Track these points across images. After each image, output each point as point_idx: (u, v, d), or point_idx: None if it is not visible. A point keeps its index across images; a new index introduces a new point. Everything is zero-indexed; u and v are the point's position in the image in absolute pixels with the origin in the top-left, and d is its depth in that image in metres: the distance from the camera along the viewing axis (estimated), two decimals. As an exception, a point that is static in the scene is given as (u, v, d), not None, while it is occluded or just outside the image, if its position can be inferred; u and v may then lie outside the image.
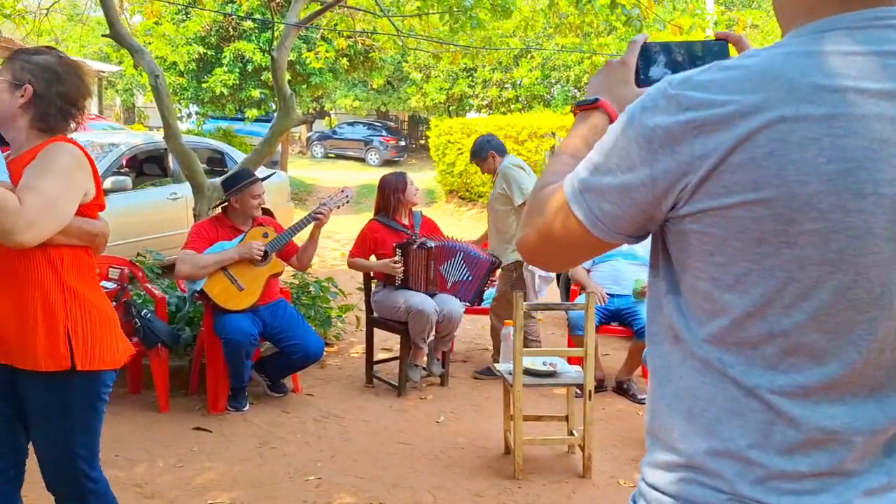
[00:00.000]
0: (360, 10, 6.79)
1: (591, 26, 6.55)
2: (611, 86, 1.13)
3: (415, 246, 4.40)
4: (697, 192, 0.86)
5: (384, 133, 25.85)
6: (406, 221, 4.63)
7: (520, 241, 1.06)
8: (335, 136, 26.10)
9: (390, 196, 4.59)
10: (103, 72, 13.67)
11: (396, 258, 4.40)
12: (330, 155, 25.66)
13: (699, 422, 0.91)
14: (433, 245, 4.42)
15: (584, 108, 1.13)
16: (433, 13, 6.27)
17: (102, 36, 6.13)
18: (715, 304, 0.89)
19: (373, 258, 4.60)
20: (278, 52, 5.81)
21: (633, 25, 5.19)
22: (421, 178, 18.36)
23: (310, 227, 4.31)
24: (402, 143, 26.08)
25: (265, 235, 4.16)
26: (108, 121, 13.34)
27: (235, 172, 4.39)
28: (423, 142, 30.60)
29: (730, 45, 1.13)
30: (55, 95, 2.03)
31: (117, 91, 25.13)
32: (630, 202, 0.91)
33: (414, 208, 4.77)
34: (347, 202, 4.41)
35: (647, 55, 1.13)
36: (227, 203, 4.19)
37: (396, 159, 24.58)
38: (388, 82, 23.46)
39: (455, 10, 6.03)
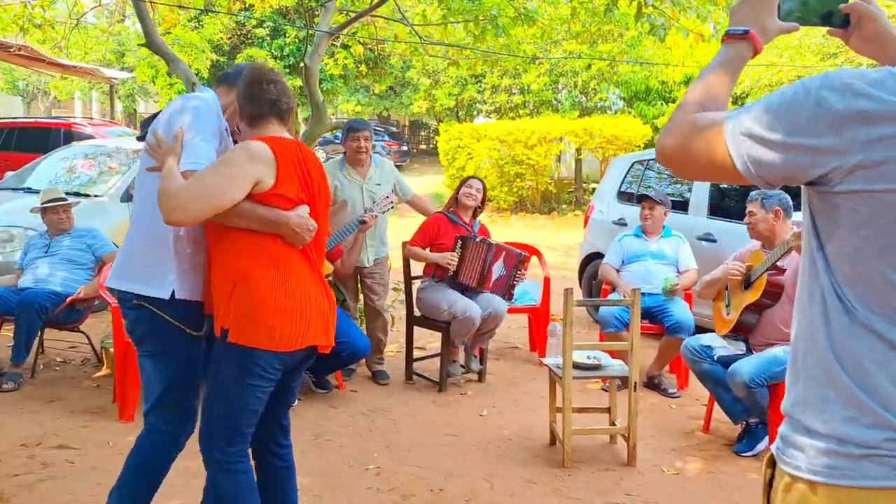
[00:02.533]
0: (387, 18, 6.96)
1: (611, 34, 6.74)
2: (758, 16, 1.25)
3: (477, 240, 4.60)
4: (853, 174, 1.03)
5: (386, 138, 26.01)
6: (466, 220, 4.82)
7: (662, 146, 1.20)
8: (337, 141, 26.24)
9: (457, 191, 4.88)
10: (115, 79, 13.83)
11: (454, 251, 4.59)
12: (332, 159, 25.78)
13: (850, 371, 1.07)
14: (494, 243, 4.64)
15: (734, 37, 1.25)
16: (459, 22, 6.45)
17: (139, 45, 6.30)
18: (857, 269, 1.07)
19: (427, 250, 4.77)
20: (311, 59, 5.97)
21: (658, 34, 5.37)
22: (425, 183, 18.57)
23: (354, 232, 4.47)
24: (405, 148, 26.25)
25: (315, 238, 4.31)
26: (122, 126, 13.48)
27: None
28: (423, 146, 30.85)
29: None
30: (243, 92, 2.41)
31: (119, 97, 25.29)
32: (783, 159, 1.07)
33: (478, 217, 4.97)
34: (392, 207, 4.57)
35: None
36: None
37: (399, 164, 24.73)
38: (390, 88, 23.65)
39: (481, 18, 6.22)
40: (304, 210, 2.31)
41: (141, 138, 2.55)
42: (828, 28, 1.31)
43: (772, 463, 1.18)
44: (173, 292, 2.35)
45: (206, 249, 2.40)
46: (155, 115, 2.59)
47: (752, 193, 3.95)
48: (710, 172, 1.18)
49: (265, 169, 2.23)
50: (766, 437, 3.77)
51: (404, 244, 4.82)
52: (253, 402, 2.31)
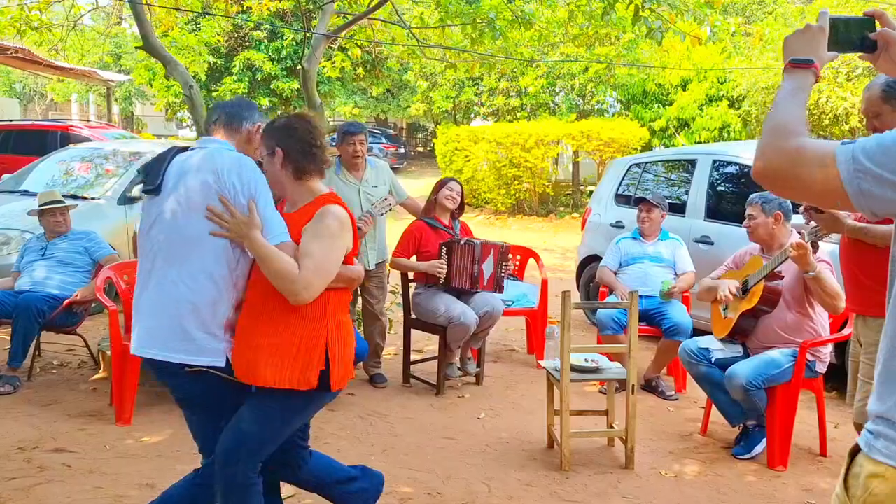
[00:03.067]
0: (384, 20, 6.97)
1: (607, 37, 6.76)
2: (815, 48, 1.40)
3: (461, 243, 4.59)
4: None
5: (384, 140, 26.02)
6: (446, 222, 4.81)
7: (764, 168, 1.30)
8: (334, 144, 26.17)
9: (433, 194, 4.85)
10: (112, 81, 13.83)
11: (441, 257, 4.58)
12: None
13: None
14: (479, 242, 4.62)
15: (800, 66, 1.39)
16: (456, 25, 6.46)
17: (136, 48, 6.30)
18: None
19: (413, 258, 4.76)
20: (309, 62, 5.99)
21: (655, 37, 5.39)
22: (421, 186, 18.55)
23: None
24: (402, 151, 26.25)
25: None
26: (118, 129, 13.48)
27: None
28: (421, 149, 30.86)
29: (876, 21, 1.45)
30: (297, 146, 2.44)
31: (116, 100, 25.29)
32: None
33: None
34: (390, 209, 4.57)
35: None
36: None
37: (396, 166, 24.73)
38: (387, 90, 23.68)
39: (479, 21, 6.23)
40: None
41: (149, 191, 2.46)
42: (860, 53, 1.47)
43: (853, 454, 1.31)
44: (227, 358, 2.40)
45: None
46: (155, 162, 2.50)
47: (752, 196, 3.93)
48: (813, 196, 1.31)
49: (350, 235, 2.45)
50: (764, 440, 3.77)
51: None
52: (288, 433, 2.49)
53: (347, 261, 2.47)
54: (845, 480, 1.30)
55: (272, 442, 2.43)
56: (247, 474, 2.38)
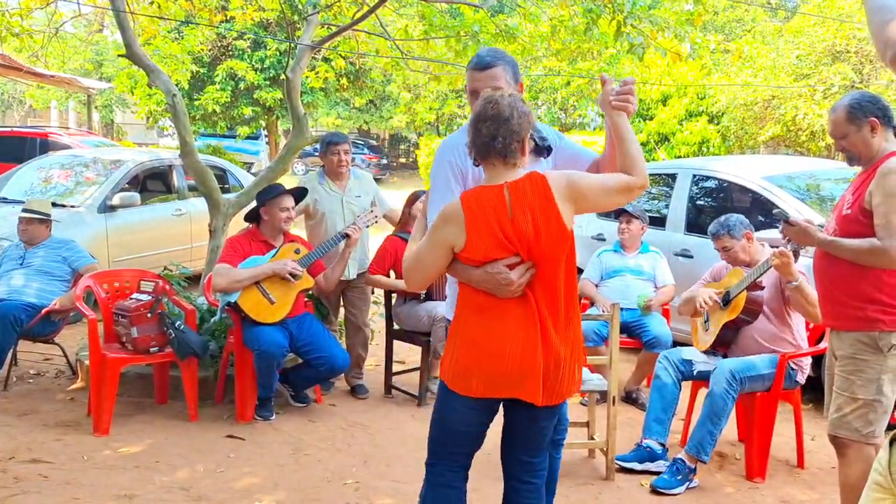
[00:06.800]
0: (369, 32, 6.99)
1: (589, 52, 6.85)
2: None
3: None
4: None
5: (366, 151, 26.03)
6: None
7: None
8: (316, 154, 26.15)
9: (406, 207, 4.83)
10: (93, 89, 13.73)
11: None
12: (311, 172, 25.74)
13: None
14: None
15: None
16: (440, 37, 6.51)
17: (118, 56, 6.27)
18: None
19: (392, 274, 4.75)
20: (293, 73, 5.99)
21: (636, 52, 5.46)
22: (404, 197, 18.56)
23: (339, 246, 4.46)
24: (384, 162, 26.29)
25: (297, 252, 4.30)
26: (98, 137, 13.38)
27: (269, 186, 4.57)
28: (403, 160, 30.91)
29: None
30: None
31: (96, 107, 25.10)
32: None
33: None
34: (376, 222, 4.57)
35: None
36: (259, 218, 4.34)
37: (379, 177, 24.73)
38: (370, 101, 23.72)
39: (462, 34, 6.28)
40: (495, 266, 2.25)
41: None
42: None
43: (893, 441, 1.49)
44: None
45: None
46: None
47: (714, 229, 3.95)
48: None
49: (456, 231, 2.28)
50: (681, 487, 3.58)
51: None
52: (451, 427, 2.60)
53: (468, 261, 2.31)
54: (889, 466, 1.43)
55: (439, 434, 2.60)
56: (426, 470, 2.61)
